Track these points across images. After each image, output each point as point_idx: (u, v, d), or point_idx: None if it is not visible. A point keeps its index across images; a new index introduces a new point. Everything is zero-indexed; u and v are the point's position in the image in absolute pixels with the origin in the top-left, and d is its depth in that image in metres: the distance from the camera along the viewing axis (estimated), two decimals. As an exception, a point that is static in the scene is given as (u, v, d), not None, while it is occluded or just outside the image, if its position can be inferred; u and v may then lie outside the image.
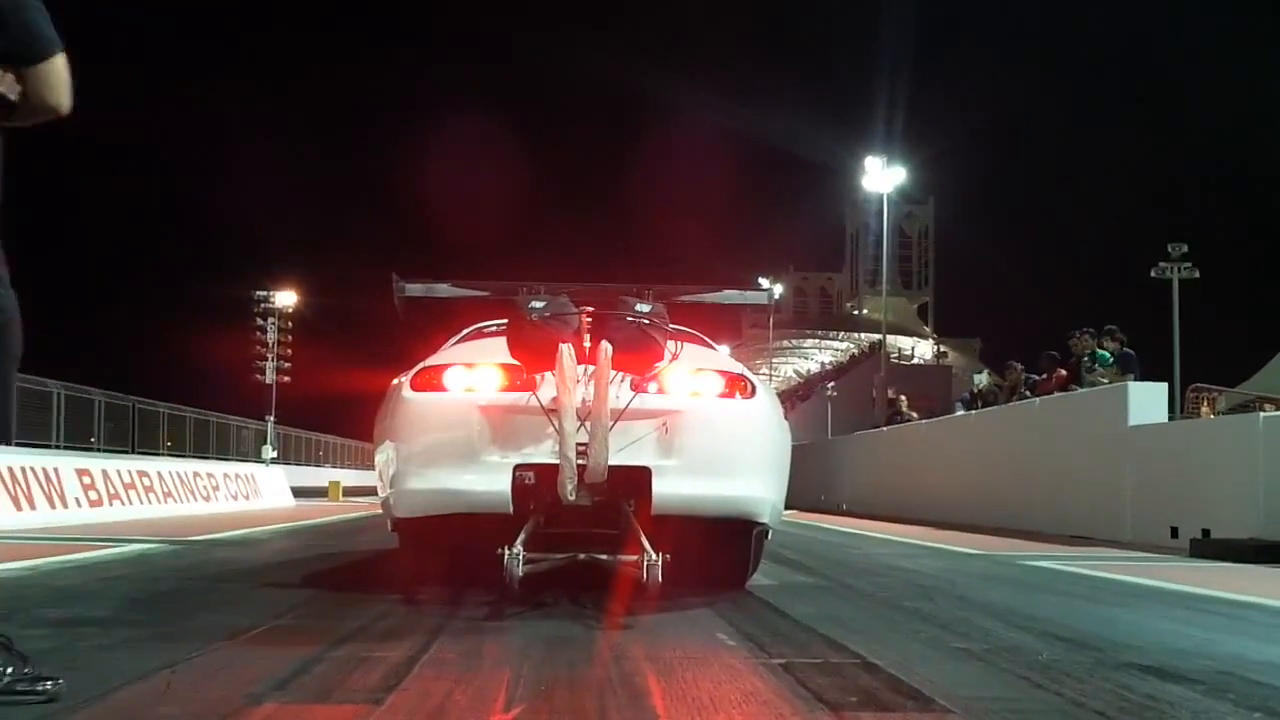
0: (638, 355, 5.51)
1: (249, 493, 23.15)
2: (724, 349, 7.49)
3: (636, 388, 5.60)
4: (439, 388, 5.74)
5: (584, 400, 5.38)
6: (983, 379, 23.60)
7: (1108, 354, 15.49)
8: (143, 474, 18.11)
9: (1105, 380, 15.12)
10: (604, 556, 5.82)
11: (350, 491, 36.74)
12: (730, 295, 7.27)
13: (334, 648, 4.15)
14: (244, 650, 4.18)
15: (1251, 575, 8.37)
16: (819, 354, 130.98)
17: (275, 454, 45.11)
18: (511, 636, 4.56)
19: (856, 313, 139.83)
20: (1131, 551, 11.16)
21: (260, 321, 55.37)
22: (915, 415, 24.85)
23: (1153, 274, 39.96)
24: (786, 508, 6.48)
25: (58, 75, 3.21)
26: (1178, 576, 7.94)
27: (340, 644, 4.25)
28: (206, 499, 20.36)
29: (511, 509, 5.52)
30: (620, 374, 5.53)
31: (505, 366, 5.65)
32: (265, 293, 55.65)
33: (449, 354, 6.29)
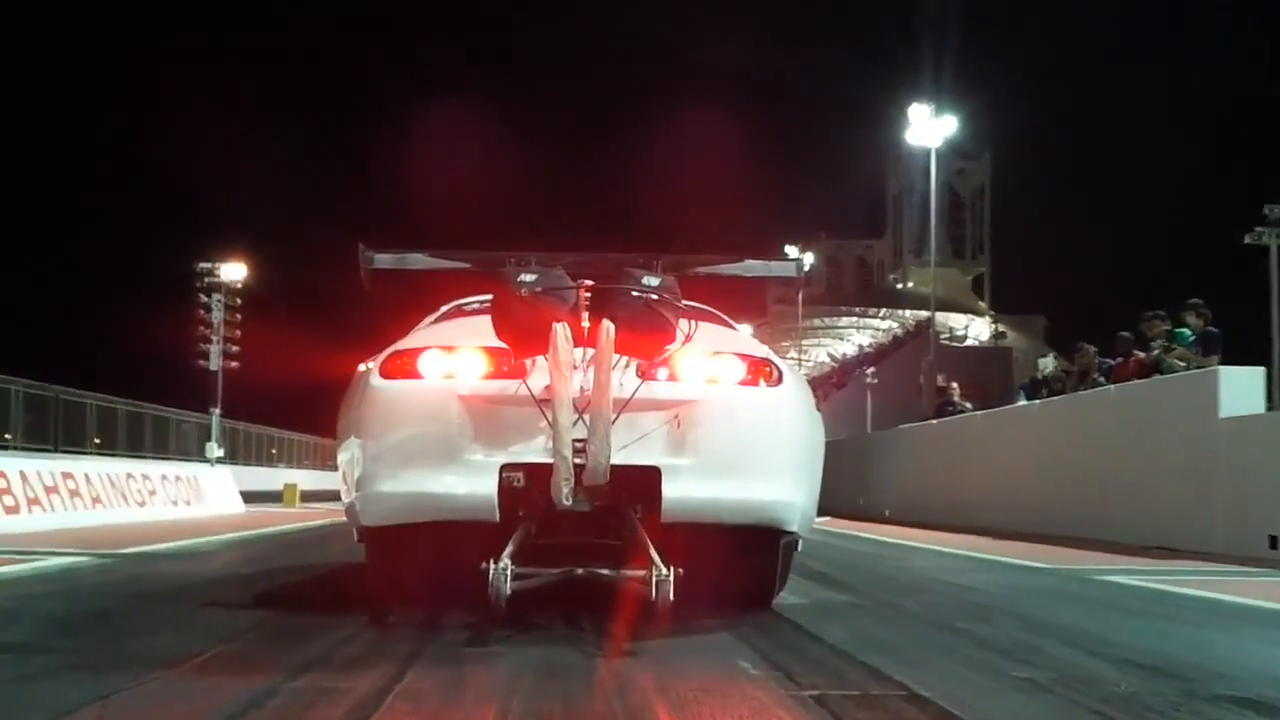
0: (645, 336, 5.50)
1: (191, 497, 23.20)
2: (745, 329, 7.48)
3: (643, 374, 5.59)
4: (413, 374, 5.74)
5: (582, 389, 5.36)
6: (1048, 363, 23.50)
7: (1188, 332, 15.42)
8: (67, 476, 18.14)
9: (1184, 364, 15.07)
10: (605, 571, 5.82)
11: (310, 496, 36.81)
12: (753, 266, 7.25)
13: (291, 678, 4.15)
14: (186, 681, 4.18)
15: (1363, 592, 8.36)
16: (856, 335, 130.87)
17: (222, 453, 45.19)
18: (498, 664, 4.56)
19: (900, 286, 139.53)
20: (1223, 565, 11.15)
21: (203, 298, 55.28)
22: (969, 406, 24.80)
23: (1247, 240, 39.89)
24: (819, 514, 6.48)
25: None
26: (1278, 595, 7.93)
27: (298, 674, 4.25)
28: (141, 504, 20.39)
29: (498, 516, 5.52)
30: (624, 358, 5.52)
31: (490, 350, 5.64)
32: (209, 265, 55.59)
33: (424, 335, 6.28)
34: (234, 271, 55.75)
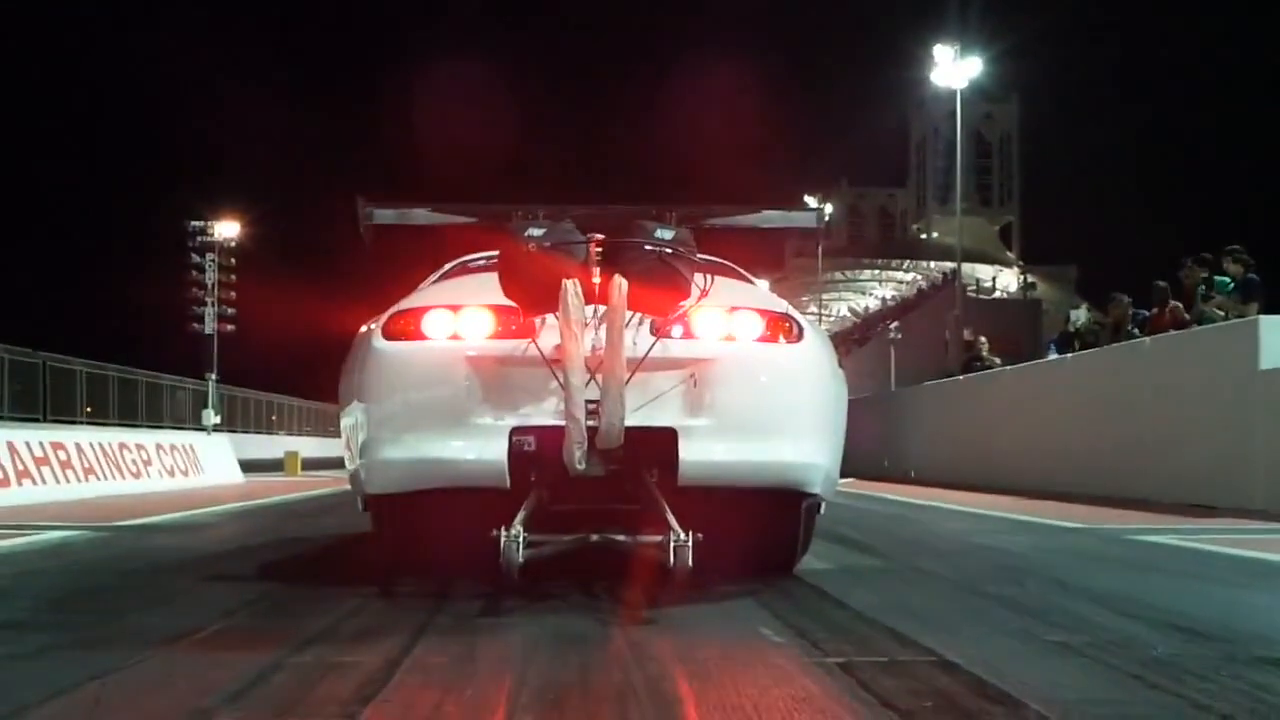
0: (659, 292, 5.49)
1: (188, 467, 23.27)
2: (763, 284, 7.47)
3: (658, 332, 5.59)
4: (417, 335, 5.74)
5: (594, 348, 5.37)
6: (1080, 315, 23.44)
7: (1228, 279, 15.35)
8: (58, 446, 18.20)
9: (1223, 314, 15.01)
10: (621, 537, 5.83)
11: (311, 464, 36.89)
12: (771, 217, 7.23)
13: (297, 652, 4.18)
14: (188, 657, 4.22)
15: None
16: (879, 288, 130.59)
17: (219, 420, 45.31)
18: (511, 635, 4.59)
19: (924, 237, 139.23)
20: (1264, 523, 11.14)
21: (197, 258, 55.31)
22: (998, 360, 24.76)
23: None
24: (842, 475, 6.49)
25: None
26: (1322, 552, 7.93)
27: (304, 648, 4.28)
28: (136, 476, 20.46)
29: (508, 482, 5.54)
30: (638, 315, 5.52)
31: (497, 308, 5.64)
32: (202, 223, 55.55)
33: (428, 294, 6.28)
34: (228, 229, 55.66)
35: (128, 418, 37.40)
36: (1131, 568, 7.39)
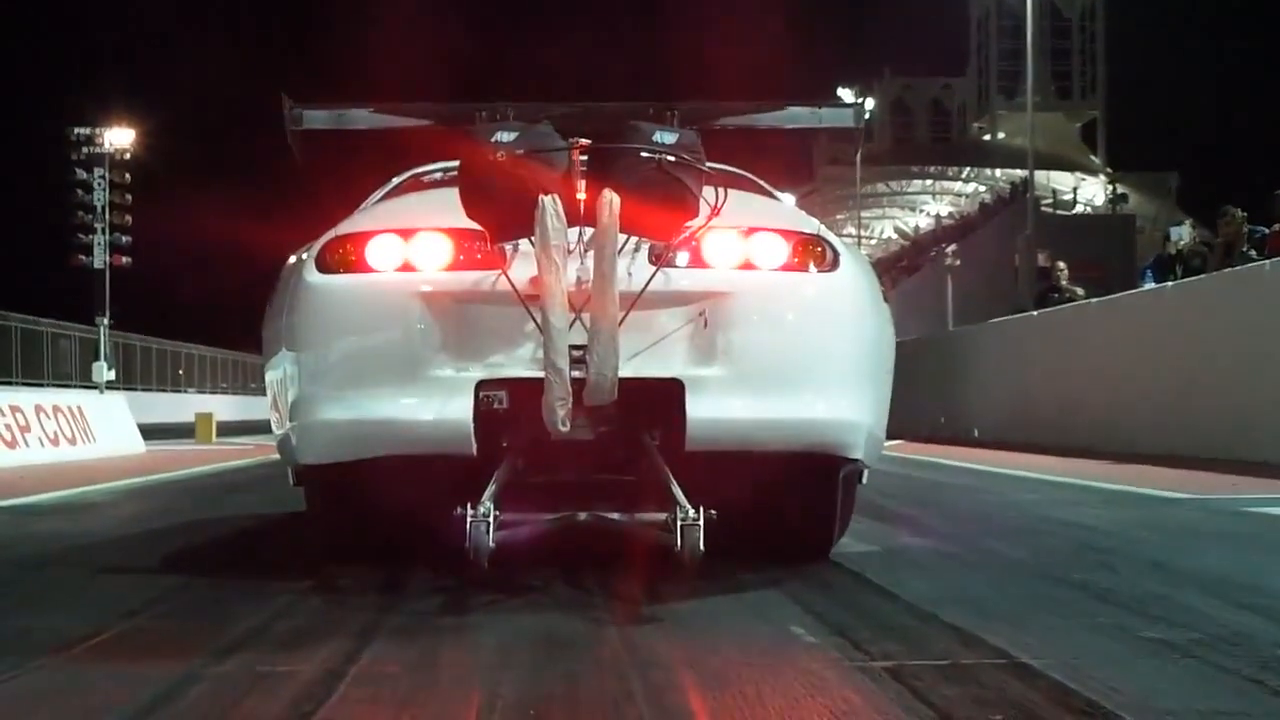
0: (659, 210, 5.46)
1: (76, 434, 23.29)
2: (788, 198, 7.45)
3: (659, 260, 5.57)
4: (359, 267, 5.72)
5: (579, 280, 5.37)
6: (1183, 234, 23.40)
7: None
8: (-85, 409, 18.20)
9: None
10: (616, 516, 5.85)
11: (230, 429, 36.96)
12: (798, 115, 7.19)
13: (216, 661, 4.20)
14: (81, 668, 4.23)
15: None
16: (932, 203, 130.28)
17: (113, 375, 45.25)
18: (481, 637, 4.61)
19: (988, 138, 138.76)
20: None
21: (82, 174, 55.08)
22: (1080, 291, 24.75)
23: None
24: (888, 436, 6.49)
25: None
26: None
27: (225, 655, 4.30)
28: (10, 445, 20.48)
29: (475, 448, 5.54)
30: (633, 239, 5.51)
31: (458, 232, 5.62)
32: (89, 130, 55.27)
33: (373, 216, 6.27)
34: (120, 138, 55.25)
35: None
36: (1246, 546, 7.42)
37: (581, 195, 5.39)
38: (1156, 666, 3.96)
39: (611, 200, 5.28)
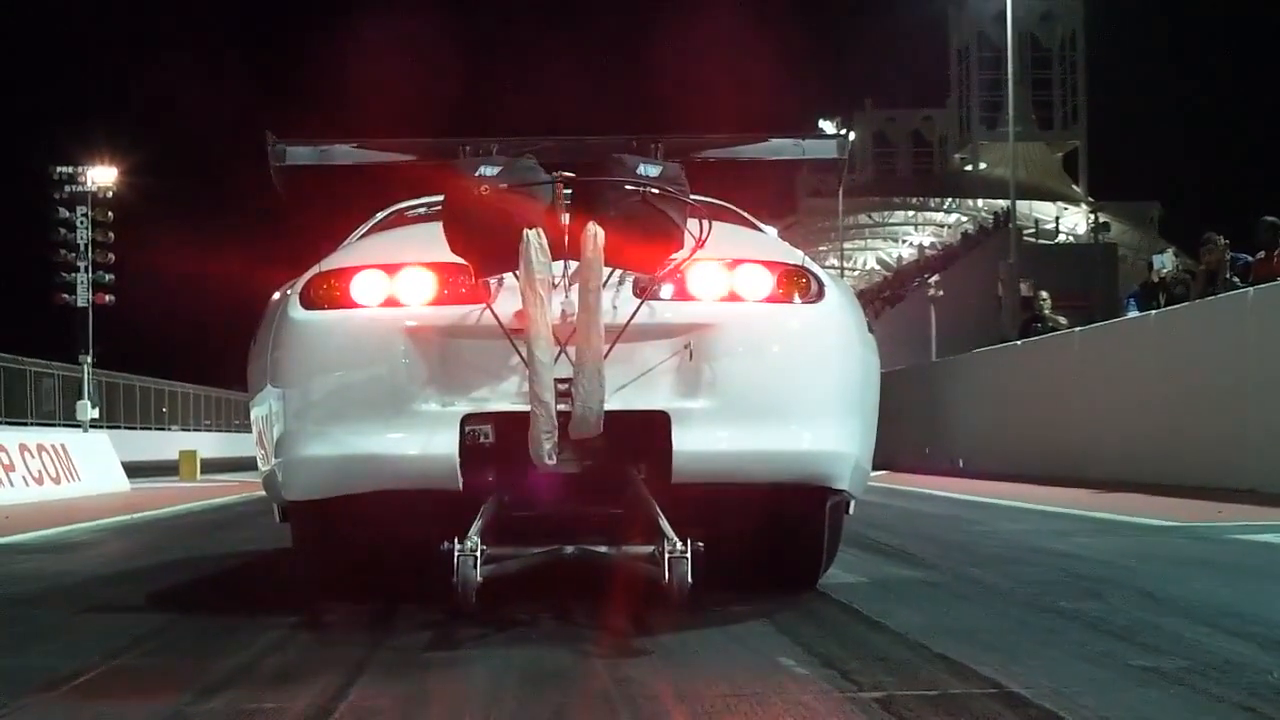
0: (644, 242, 5.47)
1: (60, 473, 23.23)
2: (771, 230, 7.46)
3: (644, 292, 5.58)
4: (344, 302, 5.72)
5: (564, 314, 5.37)
6: (1165, 262, 23.49)
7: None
8: (-102, 450, 18.15)
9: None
10: (603, 549, 5.84)
11: (214, 466, 36.91)
12: (781, 147, 7.21)
13: (203, 698, 4.18)
14: (66, 707, 4.21)
15: None
16: (914, 234, 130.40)
17: (97, 414, 45.19)
18: (470, 671, 4.60)
19: (969, 168, 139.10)
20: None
21: (65, 213, 54.98)
22: (1063, 320, 24.82)
23: None
24: (874, 467, 6.49)
25: None
26: None
27: (212, 692, 4.28)
28: (-4, 484, 20.44)
29: (461, 482, 5.53)
30: (618, 271, 5.52)
31: (442, 267, 5.62)
32: (71, 169, 55.19)
33: (357, 251, 6.27)
34: (103, 175, 55.13)
35: (-18, 412, 37.32)
36: (1235, 574, 7.43)
37: (566, 228, 5.41)
38: (1147, 695, 3.96)
39: (596, 233, 5.30)
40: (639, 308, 5.52)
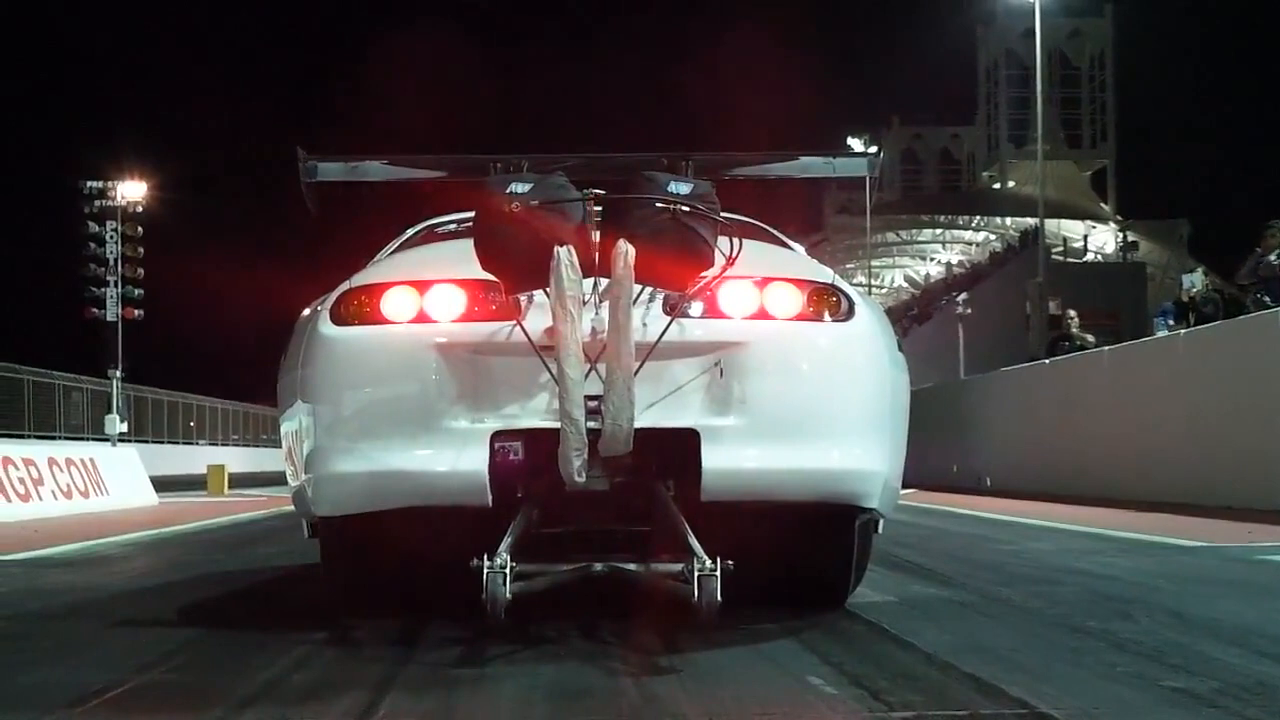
0: (674, 260, 5.47)
1: (89, 487, 23.28)
2: (800, 248, 7.46)
3: (674, 310, 5.58)
4: (374, 319, 5.73)
5: (594, 331, 5.38)
6: (1196, 281, 23.47)
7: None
8: (-73, 463, 18.19)
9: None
10: (631, 566, 5.83)
11: (242, 480, 36.91)
12: (812, 165, 7.22)
13: (234, 713, 4.19)
14: (99, 721, 4.22)
15: None
16: (942, 251, 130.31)
17: (125, 428, 45.28)
18: (498, 689, 4.60)
19: (997, 186, 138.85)
20: None
21: (94, 228, 55.09)
22: (1092, 339, 24.79)
23: None
24: (902, 485, 6.48)
25: None
26: None
27: (242, 708, 4.29)
28: (24, 498, 20.46)
29: (490, 499, 5.53)
30: (648, 289, 5.52)
31: (473, 284, 5.63)
32: (101, 184, 55.32)
33: (387, 267, 6.28)
34: (133, 190, 55.25)
35: (12, 426, 37.40)
36: (1265, 595, 7.40)
37: (597, 245, 5.41)
38: (1178, 716, 3.95)
39: (626, 251, 5.29)
40: (669, 325, 5.52)
